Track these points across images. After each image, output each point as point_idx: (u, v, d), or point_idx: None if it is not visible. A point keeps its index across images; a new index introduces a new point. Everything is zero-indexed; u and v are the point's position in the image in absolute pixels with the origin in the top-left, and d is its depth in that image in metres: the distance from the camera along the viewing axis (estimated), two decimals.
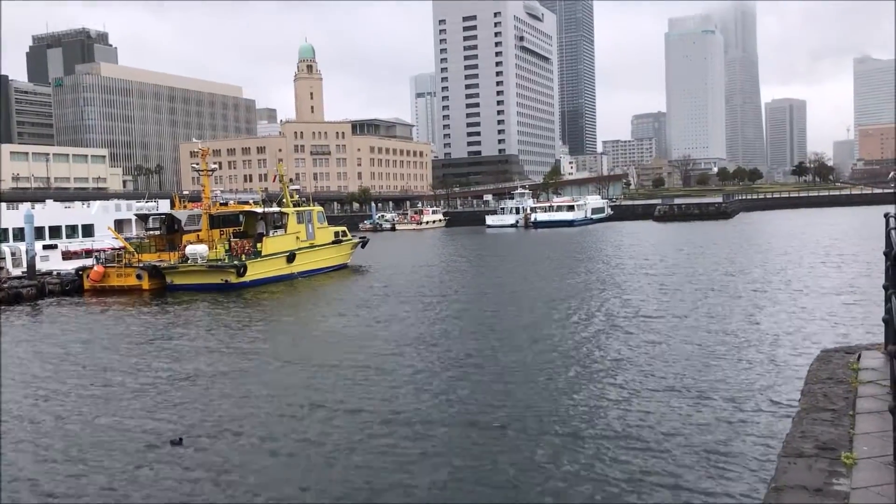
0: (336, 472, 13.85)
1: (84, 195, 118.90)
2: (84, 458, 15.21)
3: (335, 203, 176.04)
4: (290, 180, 65.75)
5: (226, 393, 20.08)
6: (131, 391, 20.65)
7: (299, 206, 55.48)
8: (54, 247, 51.65)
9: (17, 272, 46.69)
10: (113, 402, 19.58)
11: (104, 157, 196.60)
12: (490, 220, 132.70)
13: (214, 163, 62.25)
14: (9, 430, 17.35)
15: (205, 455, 15.05)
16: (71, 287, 45.74)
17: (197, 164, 55.66)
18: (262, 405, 18.67)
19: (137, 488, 13.45)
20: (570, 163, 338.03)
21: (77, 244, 53.34)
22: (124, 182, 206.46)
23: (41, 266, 47.70)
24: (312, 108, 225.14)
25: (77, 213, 58.43)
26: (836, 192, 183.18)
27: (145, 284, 45.57)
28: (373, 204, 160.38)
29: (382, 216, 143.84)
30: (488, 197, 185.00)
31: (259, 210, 53.04)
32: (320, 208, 58.76)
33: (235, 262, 46.04)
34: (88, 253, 50.82)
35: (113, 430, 17.01)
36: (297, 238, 52.06)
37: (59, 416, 18.39)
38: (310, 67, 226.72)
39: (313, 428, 16.57)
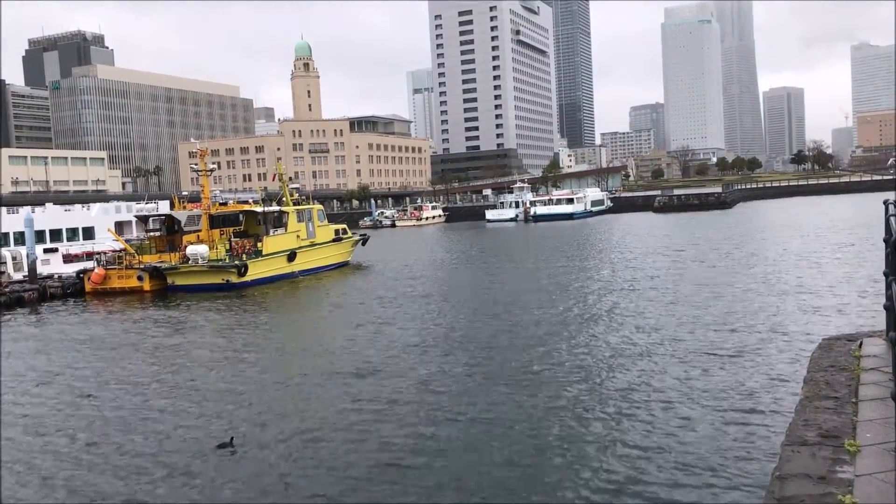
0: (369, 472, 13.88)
1: (83, 198, 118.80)
2: (129, 465, 15.21)
3: (335, 201, 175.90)
4: (290, 179, 65.74)
5: (252, 397, 20.10)
6: (155, 395, 20.65)
7: (299, 204, 55.45)
8: (55, 250, 51.67)
9: (18, 276, 46.69)
10: (140, 408, 19.56)
11: (103, 159, 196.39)
12: (490, 214, 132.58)
13: (213, 163, 62.24)
14: (42, 435, 17.30)
15: (255, 458, 14.78)
16: (72, 290, 45.73)
17: (196, 164, 55.62)
18: (294, 407, 18.68)
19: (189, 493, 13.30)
20: (569, 156, 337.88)
21: (78, 247, 53.34)
22: (123, 184, 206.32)
23: (42, 269, 47.71)
24: (310, 106, 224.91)
25: (77, 216, 58.42)
26: (836, 180, 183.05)
27: (146, 286, 45.57)
28: (372, 201, 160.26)
29: (382, 213, 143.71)
30: (487, 191, 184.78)
31: (259, 209, 53.01)
32: (320, 206, 58.73)
33: (236, 262, 46.04)
34: (89, 255, 50.78)
35: (152, 435, 16.89)
36: (298, 237, 52.04)
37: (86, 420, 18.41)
38: (307, 65, 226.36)
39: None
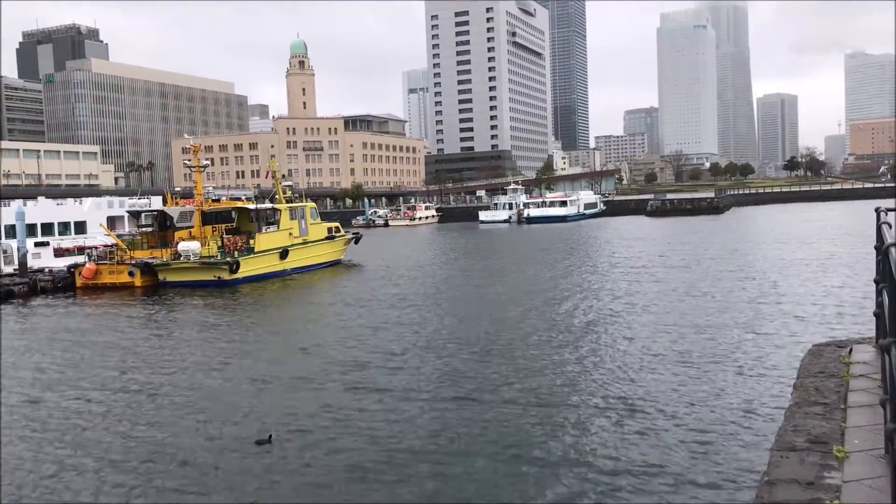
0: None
1: (76, 192, 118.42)
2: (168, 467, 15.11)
3: (328, 199, 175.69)
4: (283, 176, 65.56)
5: (259, 393, 20.04)
6: (159, 390, 20.57)
7: (292, 202, 55.37)
8: (46, 244, 51.47)
9: (8, 269, 46.51)
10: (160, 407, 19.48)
11: (96, 153, 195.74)
12: (483, 215, 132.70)
13: (206, 159, 62.06)
14: (73, 435, 17.14)
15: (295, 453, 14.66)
16: (63, 284, 45.55)
17: (189, 160, 55.47)
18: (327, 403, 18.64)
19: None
20: (563, 158, 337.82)
21: (69, 241, 53.14)
22: (116, 179, 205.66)
23: (33, 263, 47.55)
24: (305, 104, 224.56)
25: (69, 210, 58.18)
26: (828, 187, 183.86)
27: (137, 281, 45.42)
28: (366, 200, 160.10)
29: (375, 212, 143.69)
30: (481, 192, 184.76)
31: (252, 206, 52.91)
32: (313, 204, 58.65)
33: (228, 259, 45.94)
34: (80, 250, 50.62)
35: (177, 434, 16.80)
36: (290, 234, 51.97)
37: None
38: (302, 63, 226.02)
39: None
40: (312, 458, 14.37)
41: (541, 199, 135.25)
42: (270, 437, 15.18)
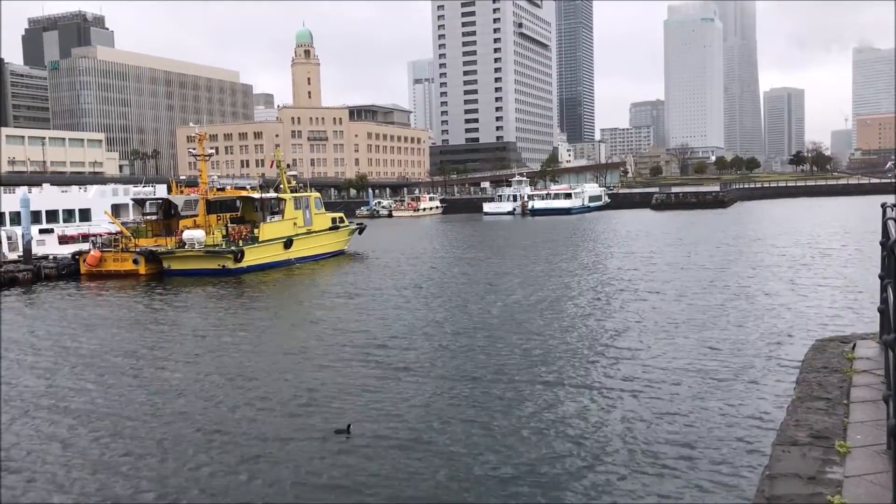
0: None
1: (80, 179, 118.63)
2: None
3: (332, 189, 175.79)
4: (288, 166, 65.58)
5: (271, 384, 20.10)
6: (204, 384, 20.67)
7: (296, 191, 55.39)
8: (51, 231, 51.57)
9: (13, 256, 46.65)
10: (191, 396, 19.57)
11: (101, 141, 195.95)
12: (487, 207, 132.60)
13: (211, 148, 62.08)
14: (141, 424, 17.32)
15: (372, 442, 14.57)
16: (67, 271, 45.70)
17: (194, 149, 55.55)
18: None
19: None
20: (568, 150, 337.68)
21: (74, 228, 53.25)
22: (121, 167, 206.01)
23: (37, 250, 47.66)
24: (310, 93, 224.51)
25: (74, 198, 58.28)
26: (834, 182, 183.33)
27: (142, 269, 45.52)
28: (370, 190, 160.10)
29: (379, 203, 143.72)
30: (486, 184, 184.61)
31: (256, 196, 52.93)
32: (317, 194, 58.64)
33: (232, 248, 46.02)
34: (85, 237, 50.71)
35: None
36: (295, 224, 52.01)
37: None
38: (307, 52, 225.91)
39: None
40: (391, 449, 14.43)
41: (545, 192, 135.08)
42: (349, 426, 15.08)
